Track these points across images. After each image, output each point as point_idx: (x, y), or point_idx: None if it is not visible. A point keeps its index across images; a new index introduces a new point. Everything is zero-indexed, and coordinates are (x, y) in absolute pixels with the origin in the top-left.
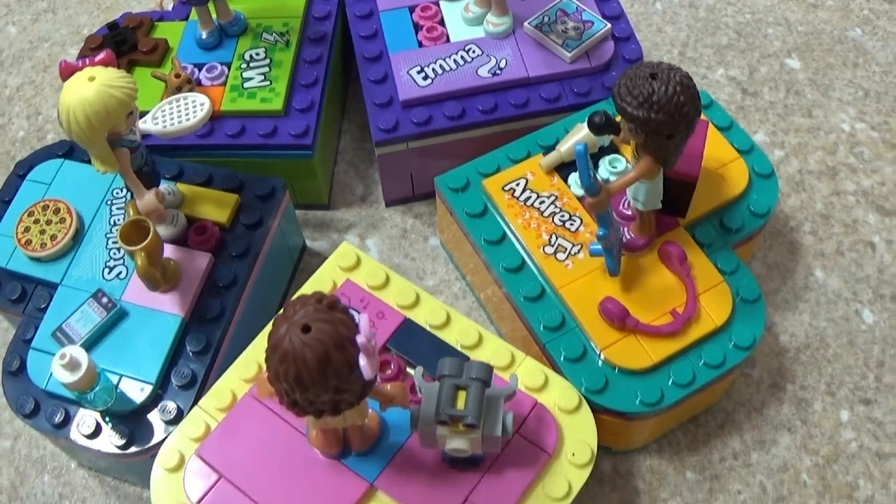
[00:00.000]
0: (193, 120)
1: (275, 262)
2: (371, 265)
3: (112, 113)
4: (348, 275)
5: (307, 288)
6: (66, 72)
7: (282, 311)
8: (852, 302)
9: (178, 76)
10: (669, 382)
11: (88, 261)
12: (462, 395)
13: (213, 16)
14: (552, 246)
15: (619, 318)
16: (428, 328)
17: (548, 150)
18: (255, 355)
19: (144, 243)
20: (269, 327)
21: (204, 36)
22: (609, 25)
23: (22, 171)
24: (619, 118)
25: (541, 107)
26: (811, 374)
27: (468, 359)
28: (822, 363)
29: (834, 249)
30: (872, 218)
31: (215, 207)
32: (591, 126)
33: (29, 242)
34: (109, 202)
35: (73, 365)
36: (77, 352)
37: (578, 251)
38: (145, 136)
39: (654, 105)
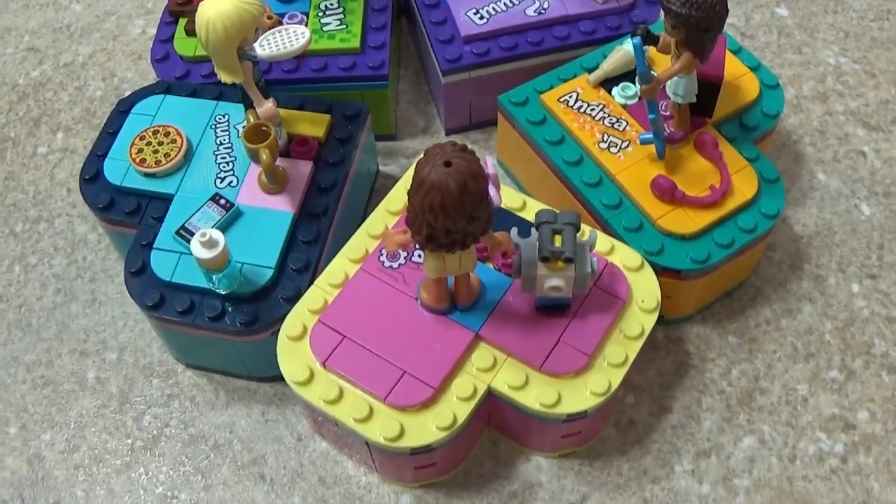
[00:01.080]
0: (296, 45)
1: (360, 175)
2: None
3: (245, 25)
4: None
5: (393, 196)
6: None
7: (422, 156)
8: (851, 198)
9: (269, 18)
10: (713, 244)
11: (200, 174)
12: (558, 237)
13: None
14: (605, 142)
15: (668, 192)
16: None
17: (591, 70)
18: (359, 242)
19: (268, 140)
20: (369, 223)
21: None
22: None
23: (123, 107)
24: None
25: (580, 39)
26: (823, 255)
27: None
28: (832, 247)
29: (831, 157)
30: (861, 132)
31: (312, 125)
32: (633, 36)
33: (144, 161)
34: (213, 126)
35: (211, 243)
36: (214, 233)
37: (628, 146)
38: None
39: (694, 4)
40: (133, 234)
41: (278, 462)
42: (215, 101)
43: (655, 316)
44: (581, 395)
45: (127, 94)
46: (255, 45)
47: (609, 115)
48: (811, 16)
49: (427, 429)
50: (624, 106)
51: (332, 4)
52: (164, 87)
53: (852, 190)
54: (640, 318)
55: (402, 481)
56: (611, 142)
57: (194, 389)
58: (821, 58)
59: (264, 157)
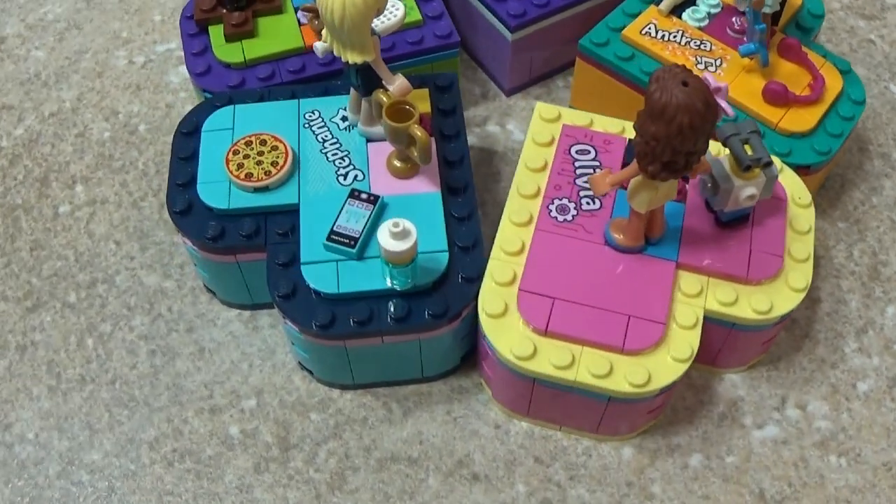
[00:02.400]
0: (398, 16)
1: None
2: (569, 112)
3: None
4: (560, 123)
5: (529, 154)
6: None
7: (651, 82)
8: (878, 82)
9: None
10: (827, 136)
11: (317, 176)
12: (747, 146)
13: None
14: (701, 64)
15: (782, 95)
16: None
17: (650, 1)
18: (517, 205)
19: (416, 116)
20: (518, 184)
21: None
22: None
23: (186, 128)
24: None
25: None
26: (879, 135)
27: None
28: (884, 126)
29: (848, 49)
30: (862, 23)
31: (415, 100)
32: None
33: (250, 175)
34: (306, 125)
35: (404, 233)
36: (405, 221)
37: (721, 63)
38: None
39: None
40: (248, 261)
41: (485, 456)
42: (295, 101)
43: (812, 210)
44: (787, 295)
45: (141, 128)
46: None
47: (692, 39)
48: None
49: (668, 365)
50: (699, 28)
51: None
52: (226, 99)
53: (877, 74)
54: (802, 213)
55: (619, 434)
56: (705, 62)
57: (362, 410)
58: None
59: (419, 135)
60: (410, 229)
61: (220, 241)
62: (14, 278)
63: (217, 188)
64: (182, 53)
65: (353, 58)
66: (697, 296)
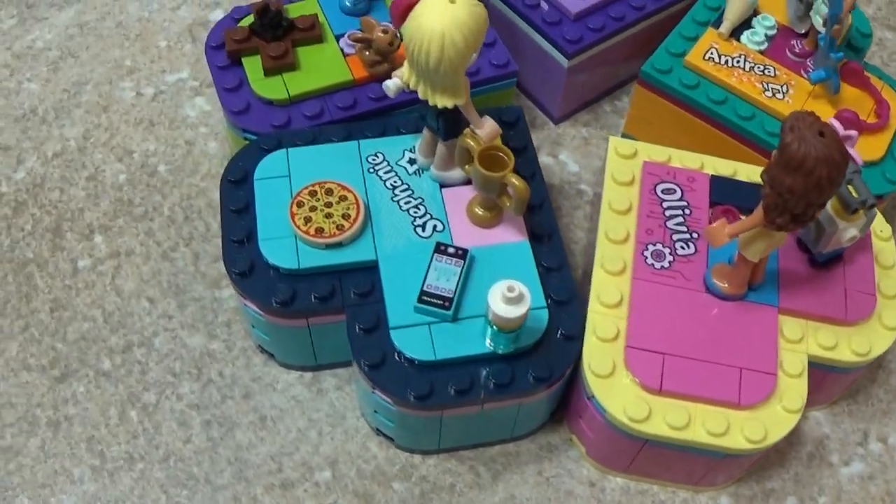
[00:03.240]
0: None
1: None
2: (646, 147)
3: (483, 31)
4: (639, 160)
5: (611, 195)
6: (402, 8)
7: (785, 132)
8: None
9: (385, 32)
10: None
11: (392, 228)
12: (851, 187)
13: None
14: (769, 91)
15: (855, 123)
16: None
17: (706, 23)
18: (609, 252)
19: (512, 164)
20: (607, 229)
21: (351, 3)
22: None
23: (235, 176)
24: None
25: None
26: None
27: None
28: None
29: (879, 62)
30: (889, 34)
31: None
32: None
33: (321, 230)
34: (371, 170)
35: (520, 297)
36: (519, 285)
37: (787, 89)
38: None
39: None
40: (320, 324)
41: None
42: (354, 142)
43: (893, 242)
44: (882, 334)
45: (161, 169)
46: None
47: (755, 64)
48: None
49: (781, 417)
50: (760, 51)
51: None
52: (274, 141)
53: None
54: (885, 247)
55: (716, 485)
56: (772, 89)
57: (448, 476)
58: None
59: (518, 184)
60: (525, 294)
61: (292, 306)
62: (35, 344)
63: (282, 245)
64: (195, 83)
65: (442, 101)
66: (800, 341)
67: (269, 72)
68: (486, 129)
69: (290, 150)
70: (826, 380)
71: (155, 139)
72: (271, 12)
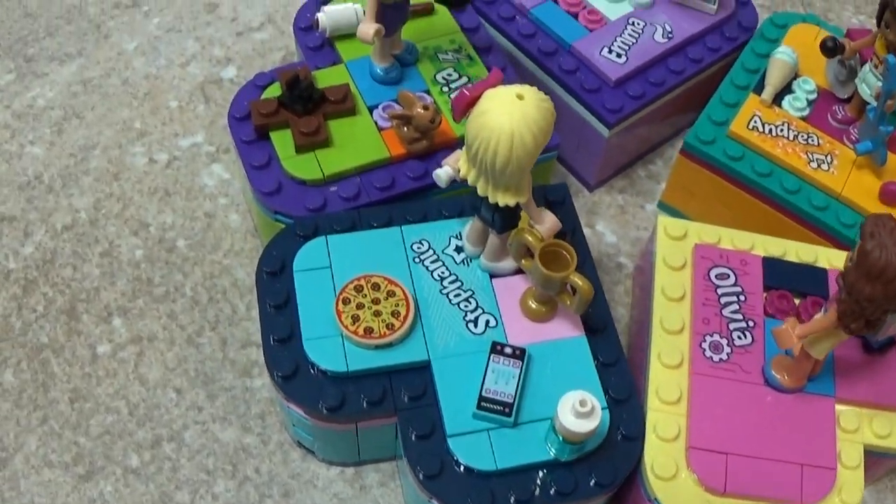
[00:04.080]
0: None
1: None
2: (696, 228)
3: (551, 126)
4: (690, 242)
5: (665, 282)
6: (465, 102)
7: (865, 237)
8: None
9: (425, 108)
10: None
11: (443, 324)
12: None
13: None
14: (813, 162)
15: None
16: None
17: (746, 87)
18: (665, 345)
19: (575, 262)
20: (662, 319)
21: (383, 71)
22: None
23: (271, 267)
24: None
25: (712, 57)
26: None
27: None
28: None
29: None
30: None
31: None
32: (825, 50)
33: (371, 331)
34: (416, 260)
35: (593, 411)
36: (590, 398)
37: (832, 159)
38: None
39: None
40: (368, 427)
41: None
42: (397, 228)
43: None
44: None
45: (180, 244)
46: None
47: (799, 132)
48: None
49: None
50: (802, 118)
51: (449, 75)
52: (312, 227)
53: None
54: None
55: None
56: (817, 159)
57: None
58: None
59: (582, 284)
60: (597, 408)
61: (341, 411)
62: (56, 438)
63: (329, 346)
64: (211, 149)
65: (504, 200)
66: (856, 431)
67: (301, 149)
68: (547, 224)
69: (329, 237)
70: (876, 464)
71: (171, 211)
72: (302, 84)
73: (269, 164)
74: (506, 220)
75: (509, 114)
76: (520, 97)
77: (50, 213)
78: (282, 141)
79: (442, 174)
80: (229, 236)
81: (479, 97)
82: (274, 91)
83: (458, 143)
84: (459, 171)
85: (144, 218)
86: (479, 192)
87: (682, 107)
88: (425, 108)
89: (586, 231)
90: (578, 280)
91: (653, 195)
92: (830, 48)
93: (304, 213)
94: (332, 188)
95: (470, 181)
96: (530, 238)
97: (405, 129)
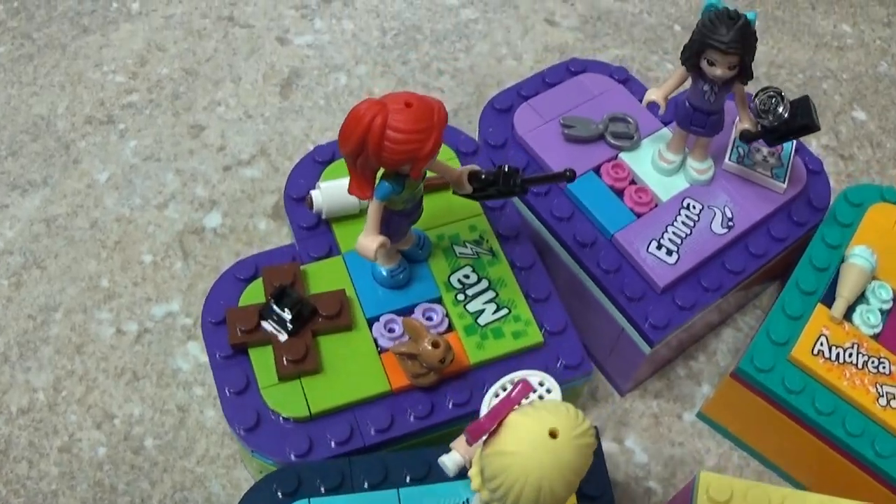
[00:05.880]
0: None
1: None
2: (742, 486)
3: (589, 464)
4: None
5: None
6: (481, 433)
7: None
8: None
9: (434, 345)
10: None
11: None
12: None
13: None
14: (883, 397)
15: None
16: None
17: (813, 293)
18: None
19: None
20: None
21: (388, 273)
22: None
23: None
24: None
25: (776, 249)
26: None
27: None
28: None
29: None
30: None
31: None
32: None
33: None
34: None
35: None
36: None
37: None
38: None
39: None
40: None
41: None
42: (393, 491)
43: None
44: None
45: (148, 444)
46: None
47: (869, 357)
48: (884, 111)
49: None
50: (874, 336)
51: (466, 277)
52: (293, 480)
53: None
54: None
55: None
56: (887, 394)
57: None
58: None
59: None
60: None
61: None
62: None
63: None
64: (188, 321)
65: None
66: None
67: (284, 378)
68: None
69: (312, 501)
70: None
71: (140, 400)
72: (290, 298)
73: (247, 389)
74: None
75: (539, 458)
76: (553, 435)
77: (5, 389)
78: (262, 362)
79: (449, 463)
80: (204, 438)
81: (494, 427)
82: (256, 292)
83: (472, 372)
84: (471, 466)
85: (109, 407)
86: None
87: (735, 303)
88: (435, 344)
89: (613, 447)
90: None
91: (692, 401)
92: None
93: (285, 457)
94: (320, 426)
95: (482, 499)
96: None
97: (409, 362)
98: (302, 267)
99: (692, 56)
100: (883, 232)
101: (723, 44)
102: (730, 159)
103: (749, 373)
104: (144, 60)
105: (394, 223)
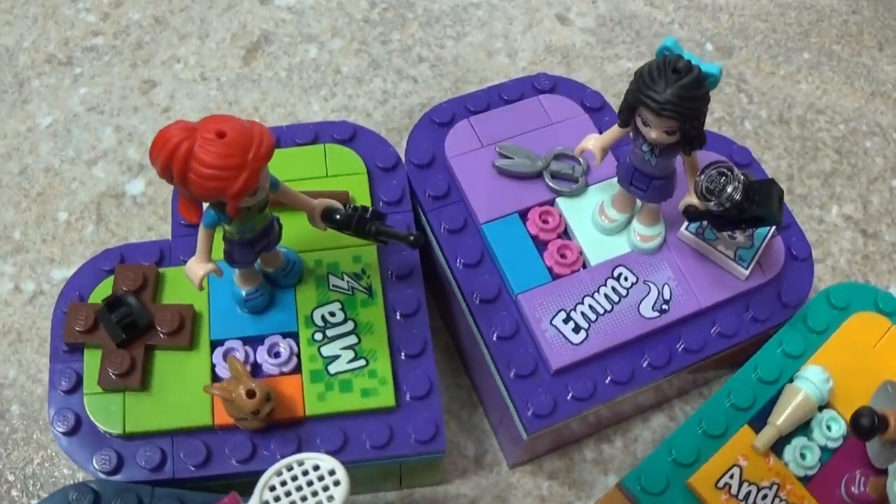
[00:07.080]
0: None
1: None
2: None
3: None
4: None
5: None
6: None
7: None
8: None
9: (250, 394)
10: None
11: None
12: None
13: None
14: None
15: None
16: None
17: (747, 410)
18: None
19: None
20: None
21: (247, 295)
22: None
23: None
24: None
25: (719, 347)
26: None
27: None
28: None
29: None
30: None
31: None
32: (859, 432)
33: None
34: None
35: None
36: None
37: None
38: None
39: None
40: None
41: None
42: None
43: None
44: None
45: (13, 410)
46: None
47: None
48: None
49: None
50: (802, 477)
51: (332, 314)
52: (89, 497)
53: None
54: None
55: None
56: None
57: None
58: None
59: None
60: None
61: None
62: None
63: None
64: None
65: None
66: None
67: (107, 387)
68: None
69: None
70: None
71: (17, 363)
72: (125, 306)
73: (76, 390)
74: None
75: None
76: None
77: None
78: (93, 365)
79: None
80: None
81: None
82: (109, 288)
83: (306, 424)
84: None
85: None
86: None
87: (678, 386)
88: (250, 393)
89: None
90: None
91: (590, 491)
92: (865, 428)
93: (91, 470)
94: (134, 447)
95: None
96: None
97: (229, 404)
98: (162, 270)
99: (625, 110)
100: (858, 350)
101: (656, 103)
102: (687, 229)
103: (633, 492)
104: (119, 2)
105: (236, 252)
